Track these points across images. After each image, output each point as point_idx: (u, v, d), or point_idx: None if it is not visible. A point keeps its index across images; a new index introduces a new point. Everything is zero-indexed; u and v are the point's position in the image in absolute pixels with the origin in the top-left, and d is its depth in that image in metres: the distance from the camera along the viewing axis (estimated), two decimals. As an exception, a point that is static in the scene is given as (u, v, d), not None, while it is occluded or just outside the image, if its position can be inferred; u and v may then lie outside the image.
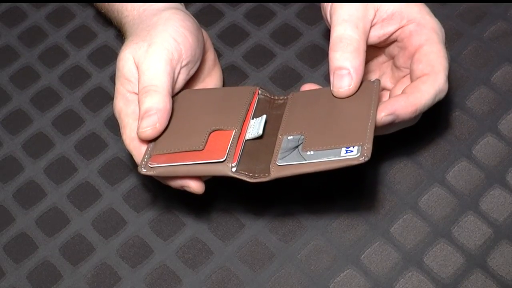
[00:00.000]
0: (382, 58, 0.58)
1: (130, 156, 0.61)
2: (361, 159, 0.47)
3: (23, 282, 0.56)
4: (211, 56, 0.60)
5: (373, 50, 0.57)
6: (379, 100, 0.52)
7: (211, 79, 0.59)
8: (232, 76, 0.64)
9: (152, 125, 0.52)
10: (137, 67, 0.54)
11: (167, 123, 0.53)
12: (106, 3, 0.63)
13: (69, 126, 0.63)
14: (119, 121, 0.55)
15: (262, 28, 0.66)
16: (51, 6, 0.70)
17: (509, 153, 0.58)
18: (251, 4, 0.67)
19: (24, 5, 0.70)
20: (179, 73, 0.55)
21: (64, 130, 0.63)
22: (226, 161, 0.50)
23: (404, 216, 0.56)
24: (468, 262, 0.54)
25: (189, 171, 0.51)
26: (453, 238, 0.55)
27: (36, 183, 0.61)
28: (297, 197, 0.57)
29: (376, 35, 0.54)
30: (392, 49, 0.56)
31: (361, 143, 0.48)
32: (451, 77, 0.61)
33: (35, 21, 0.69)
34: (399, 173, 0.58)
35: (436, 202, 0.56)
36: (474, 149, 0.58)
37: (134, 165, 0.60)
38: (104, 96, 0.64)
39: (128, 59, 0.55)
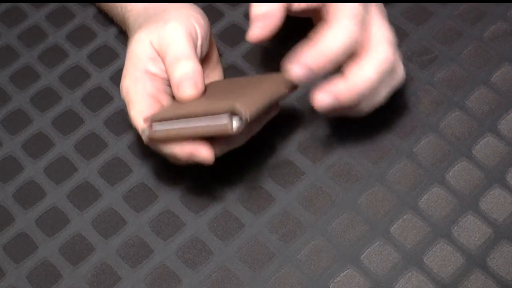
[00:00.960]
0: None
1: (130, 156, 0.61)
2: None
3: (23, 282, 0.56)
4: (215, 52, 0.60)
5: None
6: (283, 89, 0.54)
7: (215, 75, 0.60)
8: (232, 76, 0.63)
9: (194, 83, 0.53)
10: (158, 46, 0.54)
11: (204, 86, 0.54)
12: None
13: (69, 126, 0.63)
14: (126, 99, 0.55)
15: (262, 28, 0.66)
16: (51, 6, 0.70)
17: (509, 153, 0.58)
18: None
19: (24, 5, 0.70)
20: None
21: (64, 130, 0.63)
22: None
23: (404, 216, 0.56)
24: (468, 262, 0.54)
25: (193, 130, 0.51)
26: (453, 238, 0.55)
27: (36, 183, 0.61)
28: (297, 196, 0.57)
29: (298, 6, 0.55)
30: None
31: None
32: (451, 76, 0.61)
33: (35, 21, 0.69)
34: (399, 173, 0.58)
35: (436, 202, 0.56)
36: (474, 149, 0.58)
37: (134, 165, 0.60)
38: (104, 96, 0.64)
39: (143, 40, 0.55)
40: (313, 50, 0.52)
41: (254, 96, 0.51)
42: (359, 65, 0.52)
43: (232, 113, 0.49)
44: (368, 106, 0.54)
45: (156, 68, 0.55)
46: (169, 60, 0.54)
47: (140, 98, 0.54)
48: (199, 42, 0.55)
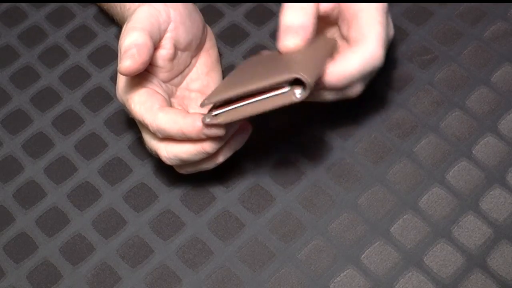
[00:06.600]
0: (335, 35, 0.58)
1: (130, 156, 0.61)
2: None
3: (23, 282, 0.56)
4: (215, 52, 0.60)
5: (325, 26, 0.57)
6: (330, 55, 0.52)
7: (215, 74, 0.60)
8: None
9: (131, 55, 0.50)
10: None
11: (148, 57, 0.51)
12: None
13: (69, 126, 0.63)
14: (124, 98, 0.54)
15: (262, 28, 0.66)
16: (51, 6, 0.70)
17: (509, 153, 0.58)
18: (251, 4, 0.67)
19: (24, 5, 0.70)
20: (165, 33, 0.54)
21: (64, 130, 0.63)
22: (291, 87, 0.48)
23: (404, 216, 0.56)
24: (468, 262, 0.54)
25: (257, 106, 0.49)
26: (453, 238, 0.55)
27: (36, 183, 0.61)
28: (297, 196, 0.57)
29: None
30: (340, 22, 0.55)
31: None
32: (451, 76, 0.61)
33: (35, 21, 0.69)
34: (399, 173, 0.58)
35: (436, 202, 0.56)
36: (474, 149, 0.58)
37: (134, 165, 0.60)
38: (104, 96, 0.64)
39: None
40: (330, 67, 0.51)
41: (308, 64, 0.49)
42: (346, 56, 0.51)
43: (293, 83, 0.48)
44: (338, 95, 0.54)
45: None
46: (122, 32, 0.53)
47: (138, 91, 0.53)
48: (171, 25, 0.54)
